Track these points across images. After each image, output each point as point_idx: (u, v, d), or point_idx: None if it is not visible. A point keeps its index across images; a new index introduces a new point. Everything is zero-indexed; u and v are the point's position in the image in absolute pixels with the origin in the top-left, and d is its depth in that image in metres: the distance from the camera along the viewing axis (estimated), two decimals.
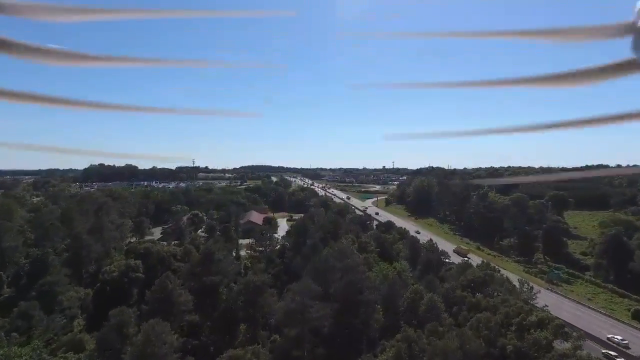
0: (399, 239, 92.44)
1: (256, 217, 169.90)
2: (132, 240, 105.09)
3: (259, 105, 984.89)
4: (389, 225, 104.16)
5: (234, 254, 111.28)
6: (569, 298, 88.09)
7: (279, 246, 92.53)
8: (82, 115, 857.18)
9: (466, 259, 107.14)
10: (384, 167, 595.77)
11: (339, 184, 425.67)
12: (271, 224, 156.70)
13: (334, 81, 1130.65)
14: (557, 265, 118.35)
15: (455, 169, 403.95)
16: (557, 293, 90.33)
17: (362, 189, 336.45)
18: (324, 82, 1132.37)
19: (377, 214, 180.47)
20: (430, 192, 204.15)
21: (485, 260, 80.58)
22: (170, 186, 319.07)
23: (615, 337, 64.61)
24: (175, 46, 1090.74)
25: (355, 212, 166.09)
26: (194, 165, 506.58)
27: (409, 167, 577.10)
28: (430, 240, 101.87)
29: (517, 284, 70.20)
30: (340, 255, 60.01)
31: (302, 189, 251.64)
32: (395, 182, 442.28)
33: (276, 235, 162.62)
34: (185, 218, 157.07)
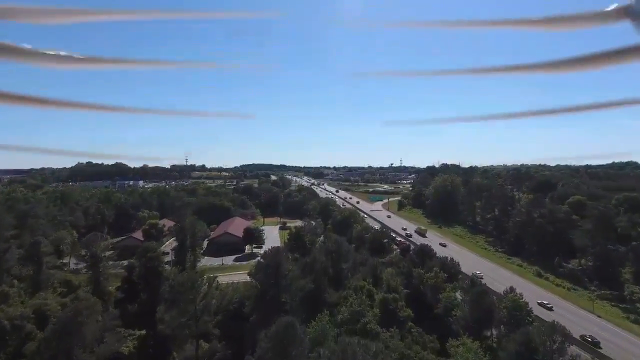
0: (444, 279, 52.82)
1: (237, 227, 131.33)
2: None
3: (256, 103, 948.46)
4: (425, 251, 62.95)
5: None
6: None
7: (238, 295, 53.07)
8: (72, 113, 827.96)
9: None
10: (392, 164, 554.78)
11: (342, 182, 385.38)
12: (254, 237, 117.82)
13: (337, 78, 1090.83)
14: None
15: (472, 166, 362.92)
16: None
17: (370, 189, 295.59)
18: (327, 80, 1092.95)
19: (406, 231, 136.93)
20: (455, 193, 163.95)
21: None
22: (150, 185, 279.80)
23: None
24: (171, 39, 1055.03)
25: (364, 221, 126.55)
26: (187, 163, 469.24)
27: (417, 165, 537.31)
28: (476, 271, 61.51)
29: None
30: None
31: (300, 189, 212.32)
32: (405, 181, 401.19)
33: (262, 253, 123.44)
34: (141, 230, 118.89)
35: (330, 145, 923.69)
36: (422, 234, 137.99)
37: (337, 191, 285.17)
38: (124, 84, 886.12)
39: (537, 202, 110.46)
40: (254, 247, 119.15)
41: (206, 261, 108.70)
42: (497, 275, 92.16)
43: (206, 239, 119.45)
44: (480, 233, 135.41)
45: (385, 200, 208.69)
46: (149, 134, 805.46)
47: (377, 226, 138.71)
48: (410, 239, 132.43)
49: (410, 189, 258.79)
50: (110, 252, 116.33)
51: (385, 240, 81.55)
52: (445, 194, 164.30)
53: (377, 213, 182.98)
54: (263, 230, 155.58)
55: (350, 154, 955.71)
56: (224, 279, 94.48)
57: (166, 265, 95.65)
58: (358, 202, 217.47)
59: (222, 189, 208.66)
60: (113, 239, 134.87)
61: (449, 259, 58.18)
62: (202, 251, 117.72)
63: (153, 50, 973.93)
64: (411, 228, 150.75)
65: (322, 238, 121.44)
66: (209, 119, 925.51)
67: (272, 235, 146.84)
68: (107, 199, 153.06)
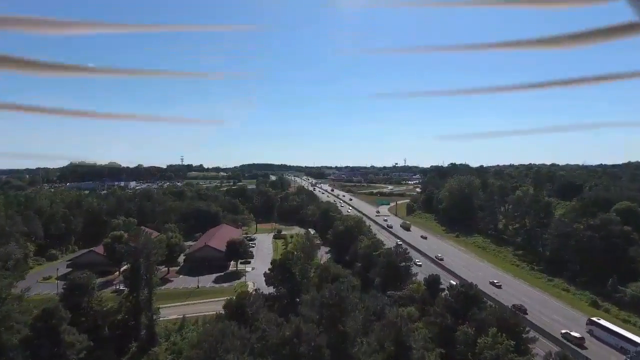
0: (510, 348, 32.73)
1: (222, 237, 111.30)
2: None
3: (257, 101, 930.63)
4: (470, 295, 41.13)
5: None
6: None
7: None
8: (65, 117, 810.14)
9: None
10: (396, 164, 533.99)
11: (345, 183, 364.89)
12: (239, 252, 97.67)
13: (339, 76, 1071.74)
14: None
15: (482, 165, 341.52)
16: None
17: (375, 191, 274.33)
18: (329, 78, 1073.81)
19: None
20: (472, 197, 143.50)
21: None
22: (141, 187, 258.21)
23: None
24: (169, 37, 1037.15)
25: (370, 230, 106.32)
26: (183, 163, 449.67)
27: (421, 165, 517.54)
28: None
29: None
30: None
31: (298, 191, 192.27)
32: (410, 182, 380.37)
33: (249, 271, 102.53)
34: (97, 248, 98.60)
35: (332, 145, 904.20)
36: (406, 228, 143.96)
37: (332, 190, 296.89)
38: (127, 89, 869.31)
39: (582, 210, 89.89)
40: (241, 263, 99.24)
41: (180, 282, 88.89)
42: (540, 303, 72.02)
43: (183, 254, 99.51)
44: (507, 245, 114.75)
45: (393, 204, 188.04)
46: (145, 132, 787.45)
47: (386, 239, 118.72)
48: (391, 229, 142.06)
49: (419, 191, 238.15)
50: (69, 270, 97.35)
51: (402, 264, 61.42)
52: (461, 197, 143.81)
53: (379, 217, 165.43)
54: (254, 239, 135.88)
55: (353, 154, 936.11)
56: (194, 309, 74.59)
57: (125, 290, 76.12)
58: (351, 200, 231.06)
59: (212, 192, 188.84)
60: (78, 252, 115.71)
61: (509, 307, 38.21)
62: (177, 268, 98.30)
63: (148, 59, 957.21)
64: (392, 220, 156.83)
65: (320, 255, 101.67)
66: (207, 117, 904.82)
67: (265, 246, 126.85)
68: (78, 204, 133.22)
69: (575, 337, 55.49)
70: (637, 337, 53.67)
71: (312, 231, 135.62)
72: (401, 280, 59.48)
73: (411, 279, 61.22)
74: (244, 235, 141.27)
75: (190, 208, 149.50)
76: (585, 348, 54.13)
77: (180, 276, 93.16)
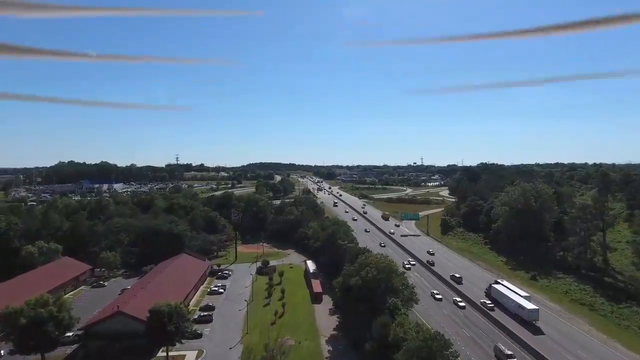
0: None
1: (167, 283, 67.92)
2: None
3: (263, 99, 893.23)
4: None
5: None
6: None
7: None
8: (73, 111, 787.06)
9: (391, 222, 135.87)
10: (415, 163, 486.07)
11: (357, 185, 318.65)
12: (168, 333, 53.86)
13: (344, 71, 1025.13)
14: None
15: (506, 164, 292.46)
16: None
17: (393, 196, 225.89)
18: (336, 73, 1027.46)
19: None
20: (542, 214, 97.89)
21: None
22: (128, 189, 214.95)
23: None
24: (173, 35, 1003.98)
25: (406, 282, 60.62)
26: (178, 162, 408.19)
27: (437, 164, 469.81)
28: None
29: None
30: None
31: (298, 201, 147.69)
32: (430, 183, 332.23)
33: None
34: None
35: (341, 143, 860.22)
36: (385, 218, 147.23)
37: (329, 188, 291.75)
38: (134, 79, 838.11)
39: None
40: (187, 337, 55.14)
41: None
42: None
43: (76, 329, 56.08)
44: (625, 297, 68.99)
45: (424, 214, 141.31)
46: (140, 131, 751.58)
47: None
48: (366, 215, 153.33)
49: (447, 195, 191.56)
50: None
51: None
52: (527, 214, 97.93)
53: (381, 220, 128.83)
54: (228, 275, 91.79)
55: (364, 153, 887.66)
56: None
57: None
58: (339, 194, 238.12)
59: (189, 202, 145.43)
60: None
61: None
62: (66, 354, 55.43)
63: (155, 47, 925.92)
64: (372, 212, 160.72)
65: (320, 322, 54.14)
66: (207, 116, 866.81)
67: (239, 291, 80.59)
68: None
69: (456, 276, 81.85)
70: (517, 288, 71.78)
71: (312, 266, 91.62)
72: None
73: None
74: (215, 268, 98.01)
75: (146, 228, 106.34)
76: (462, 284, 78.77)
77: None
